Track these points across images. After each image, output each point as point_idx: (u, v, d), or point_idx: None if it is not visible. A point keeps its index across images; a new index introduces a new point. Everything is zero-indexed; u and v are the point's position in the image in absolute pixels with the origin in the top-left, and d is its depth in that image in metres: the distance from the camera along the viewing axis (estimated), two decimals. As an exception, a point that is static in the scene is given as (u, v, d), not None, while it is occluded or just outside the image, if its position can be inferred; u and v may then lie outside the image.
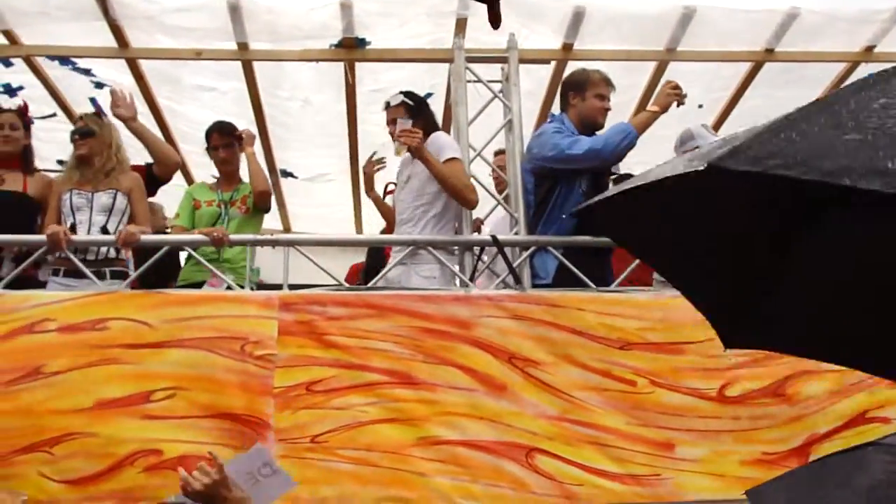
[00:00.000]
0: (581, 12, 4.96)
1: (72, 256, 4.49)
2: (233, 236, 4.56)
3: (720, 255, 1.88)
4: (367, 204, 7.20)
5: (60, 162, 6.20)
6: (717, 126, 5.69)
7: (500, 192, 5.10)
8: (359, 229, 7.16)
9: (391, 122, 4.77)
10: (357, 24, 4.81)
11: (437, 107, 5.83)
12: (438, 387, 4.30)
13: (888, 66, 1.63)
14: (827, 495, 1.55)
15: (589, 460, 4.32)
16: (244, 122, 5.74)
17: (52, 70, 5.49)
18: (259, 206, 5.04)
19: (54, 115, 5.45)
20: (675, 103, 4.60)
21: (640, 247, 2.02)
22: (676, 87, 4.62)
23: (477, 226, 5.43)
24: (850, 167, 1.38)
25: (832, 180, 1.37)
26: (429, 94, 5.56)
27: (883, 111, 1.48)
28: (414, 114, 4.72)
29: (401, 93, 4.89)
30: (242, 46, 5.04)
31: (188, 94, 5.76)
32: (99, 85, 5.67)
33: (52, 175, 5.07)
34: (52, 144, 5.97)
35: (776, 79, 5.57)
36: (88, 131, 4.79)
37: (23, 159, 4.96)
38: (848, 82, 5.50)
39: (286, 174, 5.75)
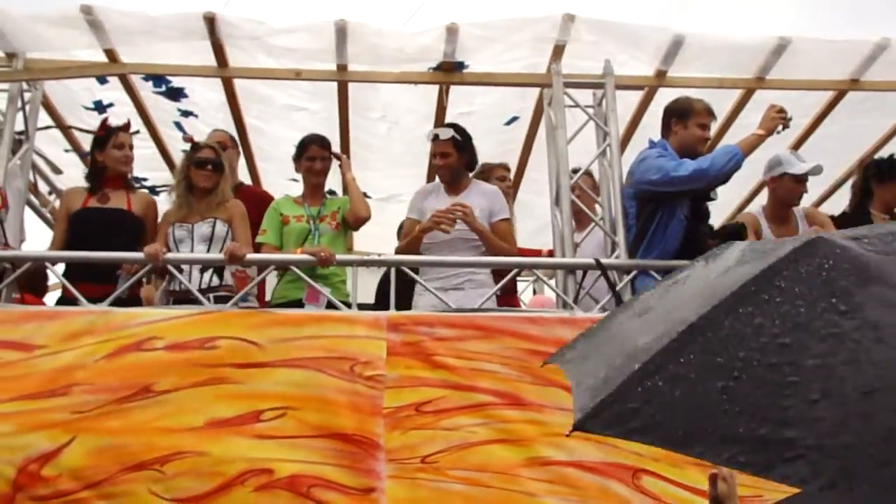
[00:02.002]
0: (680, 41, 5.03)
1: (178, 275, 4.51)
2: (339, 257, 4.57)
3: None
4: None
5: (136, 179, 6.24)
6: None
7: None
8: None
9: (439, 155, 4.97)
10: (459, 48, 4.87)
11: (520, 131, 5.92)
12: (546, 408, 4.31)
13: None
14: None
15: (694, 481, 4.31)
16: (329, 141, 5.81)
17: (144, 91, 5.53)
18: (352, 227, 5.06)
19: (137, 132, 5.47)
20: (780, 127, 4.69)
21: None
22: (781, 110, 4.68)
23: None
24: (703, 432, 1.38)
25: (683, 451, 1.42)
26: (514, 118, 5.63)
27: (753, 337, 1.46)
28: (460, 149, 4.95)
29: (450, 125, 5.06)
30: (341, 67, 5.08)
31: (277, 114, 5.79)
32: (185, 113, 5.72)
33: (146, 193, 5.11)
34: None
35: (857, 107, 5.64)
36: (220, 163, 4.82)
37: (127, 178, 5.02)
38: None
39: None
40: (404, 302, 4.72)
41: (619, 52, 4.95)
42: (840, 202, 6.13)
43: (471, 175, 5.12)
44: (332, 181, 5.44)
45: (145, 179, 6.35)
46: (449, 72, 5.09)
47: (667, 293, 1.81)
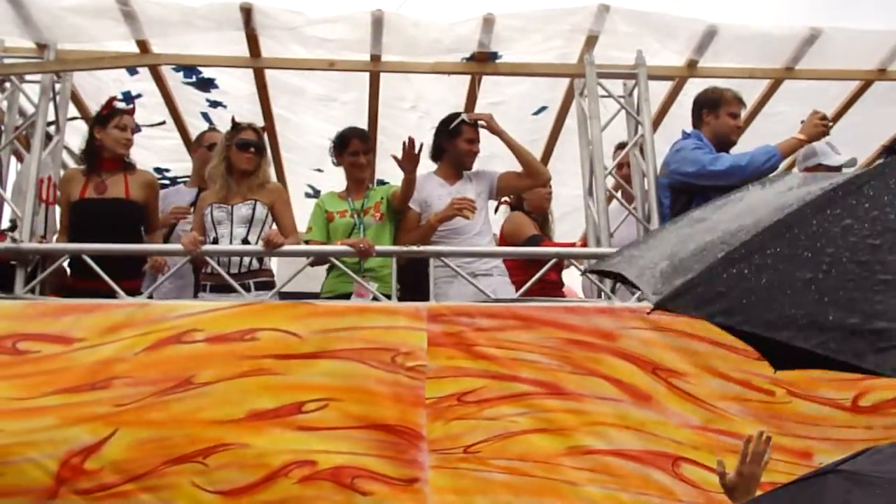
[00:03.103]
0: (713, 31, 5.04)
1: (218, 268, 4.49)
2: (378, 248, 4.57)
3: None
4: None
5: (158, 170, 6.22)
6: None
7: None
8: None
9: (473, 140, 5.10)
10: (494, 39, 4.86)
11: (548, 121, 5.92)
12: (586, 397, 4.33)
13: None
14: None
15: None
16: (358, 132, 5.81)
17: (173, 81, 5.51)
18: (398, 212, 5.03)
19: (163, 122, 5.46)
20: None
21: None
22: (824, 118, 4.72)
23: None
24: (792, 318, 1.38)
25: (770, 334, 1.40)
26: (543, 108, 5.63)
27: (842, 236, 1.46)
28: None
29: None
30: (375, 58, 5.07)
31: (306, 104, 5.78)
32: (214, 104, 5.70)
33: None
34: (150, 151, 5.98)
35: (882, 97, 5.66)
36: (262, 146, 4.79)
37: (125, 160, 4.89)
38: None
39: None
40: (420, 294, 4.72)
41: (653, 43, 4.96)
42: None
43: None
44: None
45: (167, 170, 6.32)
46: (483, 62, 5.09)
47: (721, 208, 1.82)
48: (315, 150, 5.91)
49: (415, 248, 4.65)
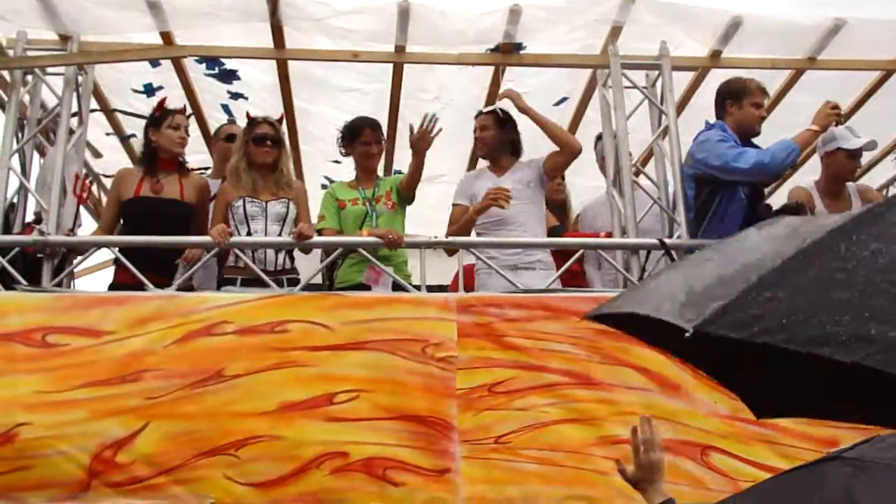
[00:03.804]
0: (738, 22, 5.05)
1: (251, 264, 4.49)
2: (407, 239, 4.58)
3: None
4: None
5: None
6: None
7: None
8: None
9: (479, 128, 5.13)
10: (520, 30, 4.86)
11: (568, 112, 5.93)
12: (615, 387, 4.34)
13: None
14: None
15: (760, 457, 4.37)
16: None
17: (195, 73, 5.49)
18: (406, 198, 5.05)
19: (191, 114, 5.41)
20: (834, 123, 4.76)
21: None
22: (836, 107, 4.74)
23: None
24: (833, 334, 1.38)
25: (812, 350, 1.38)
26: (564, 99, 5.64)
27: (872, 259, 1.46)
28: (500, 125, 5.12)
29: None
30: (400, 49, 5.07)
31: (328, 96, 5.77)
32: (235, 96, 5.68)
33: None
34: (168, 143, 5.94)
35: (901, 88, 5.69)
36: (279, 139, 4.80)
37: (180, 161, 4.99)
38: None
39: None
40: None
41: (677, 33, 4.97)
42: (876, 180, 6.21)
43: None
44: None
45: (185, 162, 6.28)
46: (507, 53, 5.10)
47: (724, 249, 1.84)
48: (334, 142, 5.86)
49: (442, 239, 4.66)
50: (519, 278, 4.66)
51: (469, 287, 4.85)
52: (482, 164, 5.13)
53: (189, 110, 5.34)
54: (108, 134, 5.94)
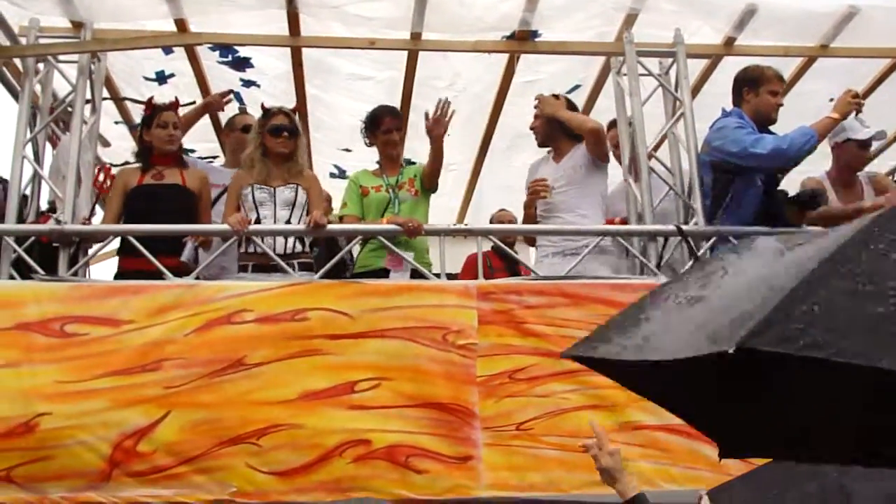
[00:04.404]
0: (753, 9, 5.05)
1: (270, 252, 4.48)
2: (426, 226, 4.58)
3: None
4: (477, 194, 7.30)
5: (184, 150, 6.14)
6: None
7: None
8: (461, 220, 7.21)
9: (534, 118, 5.18)
10: (537, 17, 4.85)
11: (580, 99, 5.92)
12: (635, 373, 4.36)
13: None
14: (782, 498, 1.63)
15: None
16: (388, 111, 5.78)
17: (208, 61, 5.45)
18: (428, 187, 5.05)
19: (193, 103, 5.39)
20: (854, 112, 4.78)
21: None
22: (856, 95, 4.75)
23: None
24: (885, 345, 1.36)
25: (867, 362, 1.36)
26: (576, 87, 5.63)
27: (894, 268, 1.46)
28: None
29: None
30: (416, 36, 5.05)
31: (341, 83, 5.75)
32: (247, 83, 5.65)
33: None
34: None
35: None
36: (295, 129, 4.80)
37: (178, 156, 4.97)
38: None
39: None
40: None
41: (693, 20, 4.97)
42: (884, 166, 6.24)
43: None
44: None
45: (193, 151, 6.25)
46: (523, 40, 5.09)
47: (708, 283, 1.78)
48: (345, 130, 5.89)
49: (462, 226, 4.67)
50: (568, 264, 4.68)
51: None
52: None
53: (192, 99, 5.31)
54: (116, 122, 5.89)
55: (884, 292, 1.43)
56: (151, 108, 4.91)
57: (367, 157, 6.08)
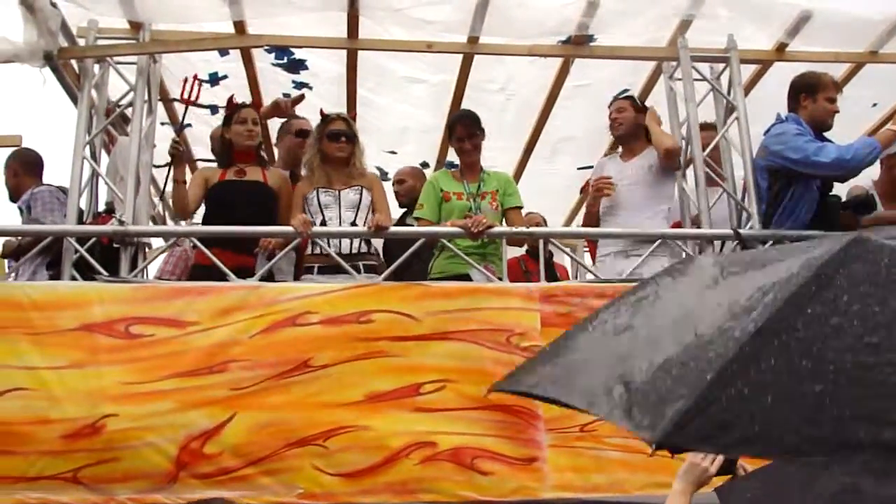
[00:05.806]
0: (807, 15, 5.07)
1: (334, 254, 4.49)
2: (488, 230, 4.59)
3: None
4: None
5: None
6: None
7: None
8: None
9: (615, 110, 5.22)
10: (595, 22, 4.87)
11: (626, 105, 5.96)
12: (696, 373, 4.38)
13: None
14: (790, 497, 1.61)
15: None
16: (438, 114, 5.82)
17: (262, 63, 5.46)
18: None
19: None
20: None
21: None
22: None
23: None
24: (821, 439, 1.28)
25: (805, 458, 1.31)
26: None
27: (835, 338, 1.37)
28: (637, 109, 5.23)
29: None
30: (472, 40, 5.06)
31: (393, 85, 5.78)
32: (300, 85, 5.67)
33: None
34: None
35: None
36: (353, 134, 4.86)
37: (258, 154, 5.01)
38: None
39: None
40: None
41: (747, 26, 4.99)
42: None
43: None
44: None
45: (263, 156, 6.24)
46: (579, 45, 5.11)
47: (640, 311, 1.72)
48: (392, 132, 5.90)
49: (523, 229, 4.69)
50: (630, 264, 4.71)
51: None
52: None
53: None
54: (163, 123, 5.88)
55: (822, 367, 1.35)
56: (231, 108, 4.99)
57: (411, 161, 6.12)
